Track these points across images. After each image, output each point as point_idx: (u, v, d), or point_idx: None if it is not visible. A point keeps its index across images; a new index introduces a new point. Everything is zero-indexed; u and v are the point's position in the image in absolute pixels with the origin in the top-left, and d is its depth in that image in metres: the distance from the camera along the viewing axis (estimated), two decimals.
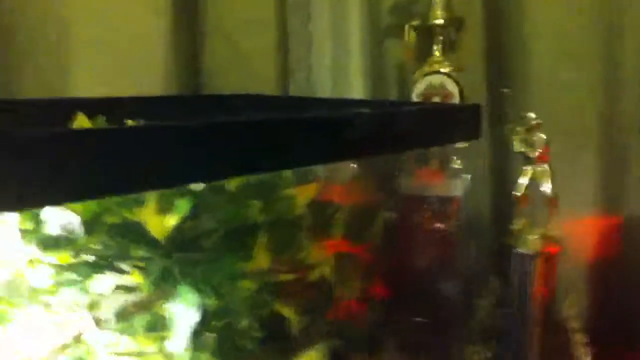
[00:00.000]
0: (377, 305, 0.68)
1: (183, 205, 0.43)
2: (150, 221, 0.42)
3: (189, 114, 0.82)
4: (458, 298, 0.75)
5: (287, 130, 0.40)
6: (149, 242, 0.44)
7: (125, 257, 0.48)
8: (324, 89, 1.01)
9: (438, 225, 0.79)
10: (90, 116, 0.58)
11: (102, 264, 0.46)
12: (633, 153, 0.81)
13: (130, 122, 0.61)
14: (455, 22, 0.82)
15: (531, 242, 0.64)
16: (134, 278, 0.52)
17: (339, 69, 0.99)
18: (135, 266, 0.50)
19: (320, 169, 0.83)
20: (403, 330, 0.74)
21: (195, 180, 0.40)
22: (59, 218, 0.40)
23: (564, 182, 0.67)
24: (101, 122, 0.57)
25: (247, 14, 0.96)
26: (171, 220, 0.42)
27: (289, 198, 0.50)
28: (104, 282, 0.51)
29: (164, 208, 0.42)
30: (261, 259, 0.47)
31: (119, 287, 0.53)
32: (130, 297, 0.46)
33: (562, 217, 0.66)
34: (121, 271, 0.49)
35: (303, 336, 0.54)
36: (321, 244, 0.55)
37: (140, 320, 0.49)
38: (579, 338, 0.63)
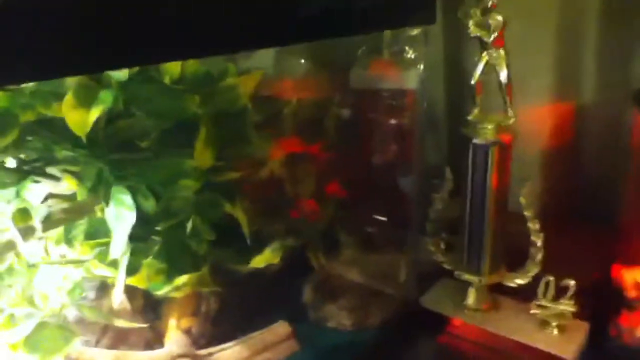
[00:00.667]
0: (334, 203, 0.66)
1: (106, 97, 0.38)
2: (70, 116, 0.37)
3: None
4: (414, 191, 0.74)
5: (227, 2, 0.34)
6: (76, 142, 0.40)
7: (53, 161, 0.43)
8: None
9: (393, 119, 0.77)
10: None
11: (26, 169, 0.42)
12: (589, 37, 0.78)
13: None
14: None
15: (486, 131, 0.62)
16: (69, 184, 0.48)
17: None
18: (66, 171, 0.46)
19: (267, 67, 0.78)
20: (361, 225, 0.73)
21: (119, 65, 0.35)
22: None
23: (520, 66, 0.65)
24: None
25: None
26: (93, 114, 0.37)
27: (231, 88, 0.46)
28: (35, 191, 0.46)
29: (86, 101, 0.37)
30: (203, 156, 0.43)
31: (53, 196, 0.49)
32: (60, 205, 0.42)
33: (517, 103, 0.64)
34: (53, 177, 0.44)
35: (257, 236, 0.52)
36: (274, 143, 0.51)
37: (76, 230, 0.45)
38: (533, 225, 0.62)
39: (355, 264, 0.72)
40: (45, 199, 0.48)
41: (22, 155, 0.42)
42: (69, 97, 0.37)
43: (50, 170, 0.45)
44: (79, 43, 0.28)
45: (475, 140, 0.63)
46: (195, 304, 0.60)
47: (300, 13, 0.40)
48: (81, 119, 0.37)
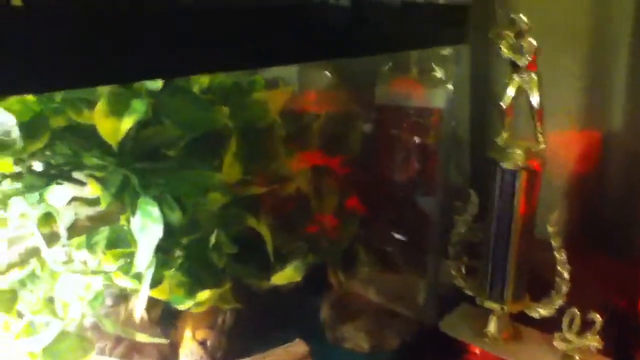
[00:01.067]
0: (354, 219, 0.65)
1: (138, 107, 0.37)
2: (101, 124, 0.37)
3: None
4: (436, 212, 0.73)
5: (259, 18, 0.34)
6: (104, 149, 0.39)
7: (80, 167, 0.43)
8: None
9: (417, 137, 0.76)
10: None
11: (53, 174, 0.41)
12: (619, 65, 0.77)
13: None
14: None
15: (515, 156, 0.61)
16: (93, 189, 0.47)
17: None
18: (91, 176, 0.45)
19: (293, 78, 0.77)
20: (381, 244, 0.72)
21: (151, 76, 0.34)
22: None
23: (549, 91, 0.64)
24: None
25: None
26: (125, 123, 0.37)
27: (261, 103, 0.45)
28: (59, 194, 0.46)
29: (118, 110, 0.37)
30: (232, 170, 0.42)
31: (76, 199, 0.48)
32: (85, 211, 0.41)
33: (545, 129, 0.63)
34: (77, 182, 0.44)
35: (279, 252, 0.51)
36: (297, 156, 0.50)
37: (98, 236, 0.44)
38: (560, 255, 0.61)
39: (374, 283, 0.71)
40: (69, 202, 0.48)
41: (50, 160, 0.41)
42: (101, 105, 0.37)
43: (76, 175, 0.45)
44: (106, 53, 0.27)
45: (503, 165, 0.61)
46: (212, 317, 0.59)
47: (332, 30, 0.40)
48: (113, 127, 0.37)
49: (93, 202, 0.50)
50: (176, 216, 0.41)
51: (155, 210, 0.40)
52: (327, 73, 0.77)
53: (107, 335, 0.53)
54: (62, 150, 0.40)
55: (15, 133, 0.33)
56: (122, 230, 0.49)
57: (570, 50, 0.78)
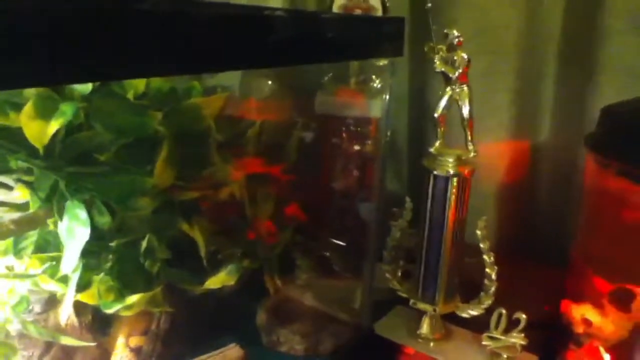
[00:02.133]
0: (292, 225, 0.66)
1: (67, 110, 0.37)
2: (28, 127, 0.36)
3: None
4: (374, 218, 0.75)
5: (199, 25, 0.34)
6: (32, 152, 0.39)
7: (7, 171, 0.42)
8: None
9: (355, 146, 0.77)
10: None
11: None
12: (547, 79, 0.81)
13: None
14: None
15: (447, 164, 0.64)
16: (21, 194, 0.47)
17: None
18: (20, 180, 0.45)
19: (234, 86, 0.78)
20: (319, 250, 0.73)
21: (82, 79, 0.34)
22: None
23: (480, 103, 0.66)
24: None
25: None
26: (52, 127, 0.37)
27: (194, 109, 0.45)
28: None
29: (45, 113, 0.36)
30: (164, 175, 0.42)
31: (2, 204, 0.48)
32: (10, 214, 0.41)
33: (476, 138, 0.66)
34: (4, 186, 0.43)
35: (213, 257, 0.51)
36: (235, 163, 0.51)
37: (26, 241, 0.44)
38: (488, 258, 0.64)
39: (310, 288, 0.72)
40: None
41: None
42: (28, 107, 0.36)
43: (3, 178, 0.44)
44: (39, 53, 0.27)
45: (435, 172, 0.64)
46: (146, 323, 0.59)
47: (270, 38, 0.41)
48: (40, 130, 0.36)
49: (21, 206, 0.49)
50: (105, 220, 0.41)
51: (82, 213, 0.39)
52: (269, 82, 0.78)
53: (35, 344, 0.52)
54: None
55: None
56: (51, 235, 0.48)
57: (502, 65, 0.81)
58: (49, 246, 0.49)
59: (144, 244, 0.45)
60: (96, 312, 0.55)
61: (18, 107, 0.37)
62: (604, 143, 0.61)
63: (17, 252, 0.46)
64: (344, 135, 0.78)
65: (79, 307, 0.53)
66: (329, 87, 0.79)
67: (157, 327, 0.59)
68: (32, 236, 0.44)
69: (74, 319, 0.54)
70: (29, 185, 0.46)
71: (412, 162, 0.94)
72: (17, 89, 0.32)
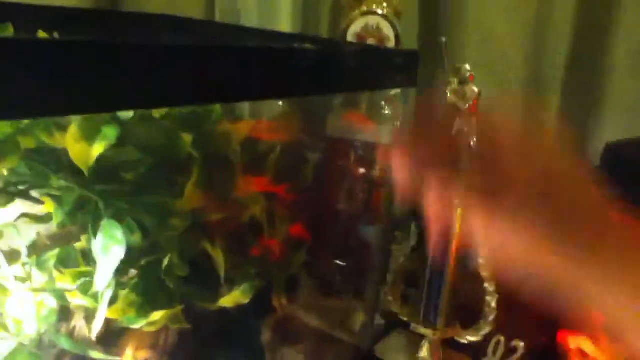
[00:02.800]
0: (303, 247, 0.67)
1: (110, 133, 0.39)
2: (73, 148, 0.38)
3: (108, 30, 0.75)
4: (378, 242, 0.76)
5: (229, 59, 0.36)
6: (70, 171, 0.40)
7: (40, 186, 0.44)
8: (250, 18, 0.96)
9: (364, 170, 0.79)
10: None
11: (14, 191, 0.42)
12: (551, 110, 0.84)
13: (43, 35, 0.54)
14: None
15: None
16: (47, 208, 0.48)
17: None
18: (49, 195, 0.46)
19: (246, 106, 0.79)
20: (323, 271, 0.75)
21: (124, 107, 0.36)
22: None
23: None
24: (9, 30, 0.50)
25: None
26: (96, 149, 0.38)
27: (225, 134, 0.47)
28: (11, 210, 0.46)
29: (89, 135, 0.38)
30: (193, 197, 0.44)
31: (25, 216, 0.49)
32: (45, 229, 0.42)
33: None
34: (36, 200, 0.44)
35: (227, 275, 0.53)
36: (252, 184, 0.53)
37: (57, 255, 0.45)
38: (489, 286, 0.66)
39: (315, 308, 0.73)
40: (17, 219, 0.48)
41: (11, 179, 0.42)
42: (72, 129, 0.38)
43: (33, 193, 0.45)
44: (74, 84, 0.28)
45: None
46: (154, 336, 0.60)
47: (283, 69, 0.42)
48: (84, 152, 0.38)
49: (43, 219, 0.50)
50: (136, 238, 0.42)
51: (119, 233, 0.41)
52: (280, 102, 0.79)
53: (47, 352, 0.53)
54: (27, 171, 0.40)
55: None
56: (73, 250, 0.49)
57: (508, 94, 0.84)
58: (70, 260, 0.50)
59: (166, 261, 0.47)
60: (108, 325, 0.56)
61: (63, 128, 0.38)
62: (606, 179, 0.63)
63: (40, 264, 0.47)
64: (352, 158, 0.80)
65: (90, 319, 0.54)
66: (339, 110, 0.81)
67: (164, 341, 0.60)
68: (64, 251, 0.45)
69: (85, 331, 0.55)
70: (56, 199, 0.47)
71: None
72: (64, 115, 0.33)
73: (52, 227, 0.45)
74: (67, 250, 0.48)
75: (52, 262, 0.49)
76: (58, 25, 0.57)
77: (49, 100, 0.27)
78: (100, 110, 0.31)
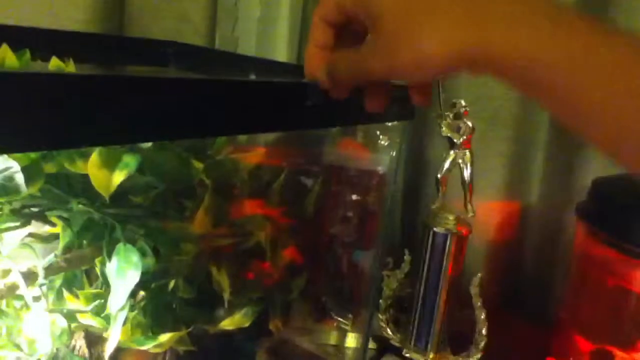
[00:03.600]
0: (298, 270, 0.69)
1: (129, 161, 0.40)
2: (95, 175, 0.39)
3: (117, 55, 0.77)
4: (372, 268, 0.78)
5: (244, 92, 0.38)
6: (85, 194, 0.42)
7: (53, 208, 0.45)
8: (248, 45, 0.99)
9: (358, 197, 0.82)
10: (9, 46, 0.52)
11: (27, 213, 0.43)
12: (539, 147, 0.87)
13: (56, 60, 0.56)
14: None
15: (447, 222, 0.68)
16: (58, 229, 0.49)
17: (266, 24, 0.97)
18: (60, 217, 0.47)
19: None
20: (318, 295, 0.76)
21: (146, 139, 0.38)
22: None
23: (477, 166, 0.71)
24: (26, 58, 0.52)
25: None
26: (117, 177, 0.40)
27: (234, 162, 0.49)
28: (20, 231, 0.48)
29: (110, 163, 0.40)
30: (203, 223, 0.46)
31: (31, 236, 0.50)
32: (62, 252, 0.43)
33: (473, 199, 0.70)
34: (49, 222, 0.46)
35: (231, 299, 0.54)
36: (257, 210, 0.54)
37: (63, 276, 0.46)
38: (480, 314, 0.68)
39: (309, 332, 0.75)
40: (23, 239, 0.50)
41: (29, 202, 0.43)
42: (94, 157, 0.39)
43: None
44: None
45: (435, 229, 0.68)
46: (152, 356, 0.61)
47: (280, 103, 0.43)
48: (106, 179, 0.39)
49: (47, 239, 0.51)
50: (149, 262, 0.44)
51: (135, 257, 0.42)
52: None
53: None
54: (47, 195, 0.42)
55: (20, 179, 0.36)
56: (79, 271, 0.51)
57: (497, 131, 0.87)
58: (75, 280, 0.51)
59: (172, 283, 0.48)
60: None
61: (85, 155, 0.40)
62: (594, 214, 0.66)
63: (50, 285, 0.48)
64: (348, 185, 0.82)
65: (90, 338, 0.55)
66: (335, 137, 0.84)
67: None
68: (74, 274, 0.46)
69: (85, 350, 0.56)
70: (65, 221, 0.49)
71: (406, 212, 0.99)
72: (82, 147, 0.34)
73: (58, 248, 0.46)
74: (73, 271, 0.50)
75: (58, 283, 0.50)
76: (70, 50, 0.59)
77: (72, 132, 0.29)
78: (120, 142, 0.33)
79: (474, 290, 0.68)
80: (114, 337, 0.43)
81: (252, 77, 0.76)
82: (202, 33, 0.95)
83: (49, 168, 0.40)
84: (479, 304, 0.68)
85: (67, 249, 0.49)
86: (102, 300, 0.44)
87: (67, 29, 0.73)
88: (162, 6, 0.90)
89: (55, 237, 0.52)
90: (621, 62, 0.29)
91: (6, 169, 0.35)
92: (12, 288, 0.41)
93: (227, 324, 0.55)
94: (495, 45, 0.30)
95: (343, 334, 0.79)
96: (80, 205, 0.42)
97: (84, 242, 0.49)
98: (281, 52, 0.97)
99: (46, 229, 0.52)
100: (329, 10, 0.39)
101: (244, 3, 1.00)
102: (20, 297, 0.43)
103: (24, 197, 0.37)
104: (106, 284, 0.44)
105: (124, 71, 0.80)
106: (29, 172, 0.36)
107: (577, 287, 0.71)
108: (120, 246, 0.43)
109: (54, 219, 0.49)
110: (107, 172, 0.39)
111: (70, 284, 0.50)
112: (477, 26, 0.31)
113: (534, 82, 0.31)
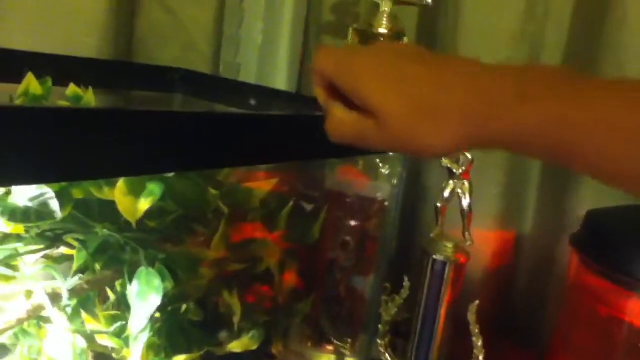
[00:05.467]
0: (303, 295, 0.71)
1: (154, 189, 0.42)
2: (121, 202, 0.41)
3: (126, 81, 0.80)
4: (371, 293, 0.80)
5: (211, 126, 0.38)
6: (110, 220, 0.44)
7: (72, 231, 0.47)
8: (249, 72, 1.01)
9: (358, 223, 0.83)
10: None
11: (51, 237, 0.45)
12: (533, 176, 0.90)
13: (74, 87, 0.58)
14: (397, 34, 0.86)
15: (446, 249, 0.70)
16: (71, 251, 0.51)
17: (268, 51, 1.00)
18: (77, 239, 0.49)
19: None
20: (318, 319, 0.78)
21: (170, 170, 0.40)
22: (31, 190, 0.38)
23: (474, 195, 0.74)
24: (48, 85, 0.54)
25: None
26: (143, 204, 0.42)
27: (248, 191, 0.51)
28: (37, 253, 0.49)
29: (135, 190, 0.42)
30: (219, 248, 0.47)
31: (45, 257, 0.52)
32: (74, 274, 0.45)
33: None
34: (68, 245, 0.47)
35: (241, 322, 0.56)
36: (267, 237, 0.56)
37: (82, 298, 0.48)
38: (477, 340, 0.70)
39: (307, 356, 0.76)
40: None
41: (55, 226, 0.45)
42: (120, 185, 0.41)
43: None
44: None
45: (434, 256, 0.70)
46: None
47: (279, 135, 0.45)
48: (132, 206, 0.41)
49: (59, 259, 0.53)
50: (167, 285, 0.45)
51: (157, 281, 0.44)
52: None
53: None
54: (73, 219, 0.44)
55: (55, 205, 0.37)
56: (93, 293, 0.52)
57: (494, 160, 0.90)
58: (89, 301, 0.52)
59: (184, 306, 0.50)
60: None
61: (111, 183, 0.42)
62: (587, 244, 0.69)
63: (62, 307, 0.50)
64: (349, 211, 0.84)
65: (97, 357, 0.56)
66: (334, 164, 0.86)
67: None
68: (92, 296, 0.47)
69: None
70: (81, 242, 0.50)
71: (402, 238, 1.01)
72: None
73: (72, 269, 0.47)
74: (87, 293, 0.51)
75: (73, 303, 0.51)
76: (80, 76, 0.61)
77: (102, 164, 0.31)
78: (143, 172, 0.35)
79: (471, 317, 0.70)
80: (135, 358, 0.45)
81: (252, 102, 0.79)
82: (207, 59, 0.97)
83: (77, 194, 0.42)
84: (476, 330, 0.70)
85: (80, 270, 0.51)
86: (124, 322, 0.46)
87: (80, 56, 0.75)
88: (169, 33, 0.93)
89: (66, 258, 0.53)
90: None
91: (41, 195, 0.37)
92: (38, 309, 0.42)
93: (236, 346, 0.56)
94: (500, 134, 0.33)
95: (342, 359, 0.80)
96: (104, 230, 0.43)
97: (96, 264, 0.51)
98: (282, 78, 0.99)
99: (59, 251, 0.54)
100: (317, 81, 0.41)
101: (245, 30, 1.03)
102: (42, 318, 0.45)
103: (55, 221, 0.39)
104: (125, 306, 0.45)
105: (132, 97, 0.83)
106: (60, 198, 0.38)
107: (570, 315, 0.73)
108: (142, 270, 0.44)
109: (70, 240, 0.51)
110: (132, 199, 0.41)
111: (85, 305, 0.52)
112: (479, 120, 0.33)
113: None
